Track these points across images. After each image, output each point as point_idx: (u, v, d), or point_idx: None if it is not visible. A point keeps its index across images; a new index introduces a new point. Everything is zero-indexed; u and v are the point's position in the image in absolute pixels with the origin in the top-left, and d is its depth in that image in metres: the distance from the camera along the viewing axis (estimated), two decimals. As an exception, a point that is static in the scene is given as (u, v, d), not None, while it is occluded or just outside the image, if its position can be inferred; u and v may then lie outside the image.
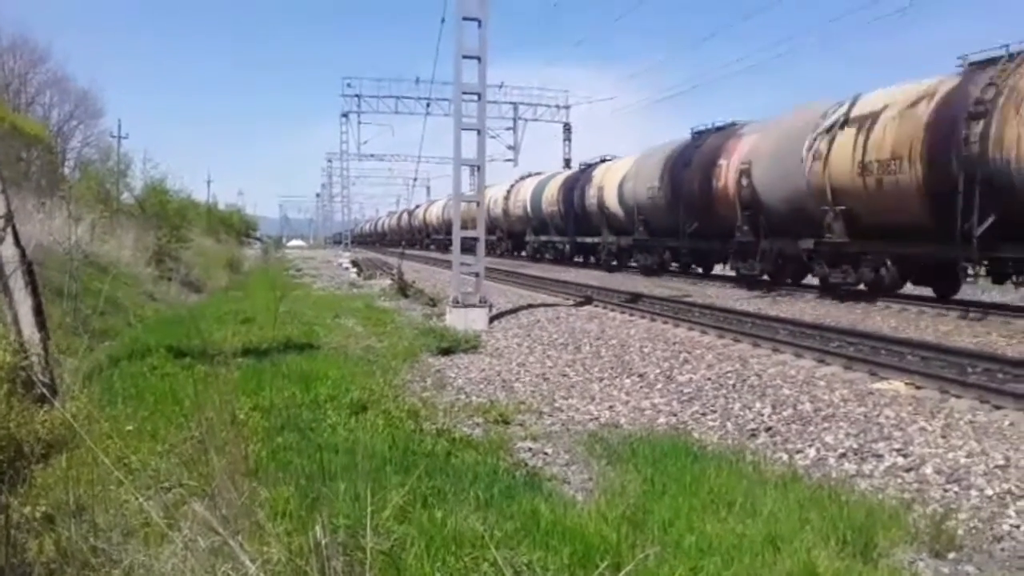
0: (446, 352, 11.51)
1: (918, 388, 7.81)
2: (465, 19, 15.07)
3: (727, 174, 20.69)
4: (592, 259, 32.97)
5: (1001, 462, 5.55)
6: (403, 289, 21.69)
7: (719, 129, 23.10)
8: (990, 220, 12.60)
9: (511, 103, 47.73)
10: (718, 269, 23.97)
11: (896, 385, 7.95)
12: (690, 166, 22.79)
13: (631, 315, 14.71)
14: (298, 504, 4.18)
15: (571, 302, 17.31)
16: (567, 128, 49.22)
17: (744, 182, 19.68)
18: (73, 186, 26.37)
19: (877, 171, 14.89)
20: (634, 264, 27.93)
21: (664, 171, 24.33)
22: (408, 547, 3.73)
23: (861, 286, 16.47)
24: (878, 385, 8.03)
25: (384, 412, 7.07)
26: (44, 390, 6.20)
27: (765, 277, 19.90)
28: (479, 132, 15.93)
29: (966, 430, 6.32)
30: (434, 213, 65.27)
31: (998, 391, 7.25)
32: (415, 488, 4.49)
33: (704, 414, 7.77)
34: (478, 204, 16.97)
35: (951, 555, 4.36)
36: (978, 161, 12.61)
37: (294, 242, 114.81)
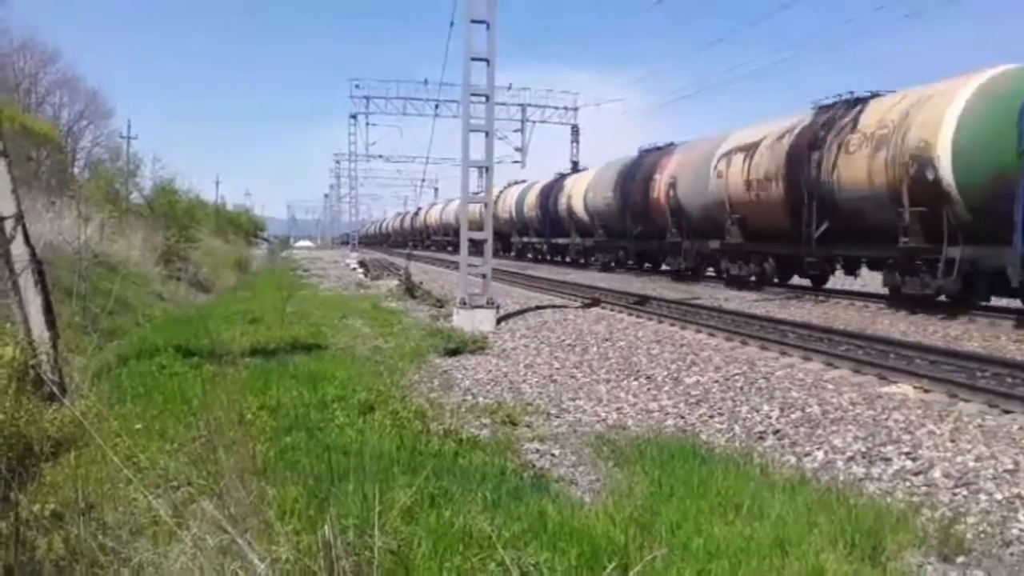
0: (453, 353, 11.52)
1: (927, 392, 7.78)
2: (474, 22, 15.10)
3: (660, 187, 25.38)
4: (565, 258, 37.60)
5: (1010, 466, 5.52)
6: (410, 290, 21.71)
7: (658, 148, 27.82)
8: (824, 226, 16.89)
9: (519, 105, 47.67)
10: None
11: (905, 389, 7.92)
12: (635, 179, 27.68)
13: (639, 317, 14.70)
14: (306, 503, 4.18)
15: (578, 304, 17.30)
16: (575, 130, 49.14)
17: (671, 193, 24.41)
18: (83, 186, 26.51)
19: (757, 188, 19.38)
20: (595, 261, 32.50)
21: (616, 183, 29.26)
22: (416, 547, 3.73)
23: (752, 277, 20.79)
24: (887, 389, 8.01)
25: (391, 413, 7.09)
26: (53, 388, 6.24)
27: (689, 271, 24.73)
28: (487, 134, 15.94)
29: (975, 434, 6.29)
30: (434, 215, 69.31)
31: (1007, 395, 7.22)
32: (422, 488, 4.49)
33: (712, 416, 7.75)
34: (486, 206, 16.97)
35: (960, 559, 4.34)
36: (815, 183, 16.98)
37: (302, 243, 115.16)
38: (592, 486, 5.66)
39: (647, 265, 29.59)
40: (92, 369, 8.22)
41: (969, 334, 11.74)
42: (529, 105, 47.96)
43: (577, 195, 33.86)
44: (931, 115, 14.05)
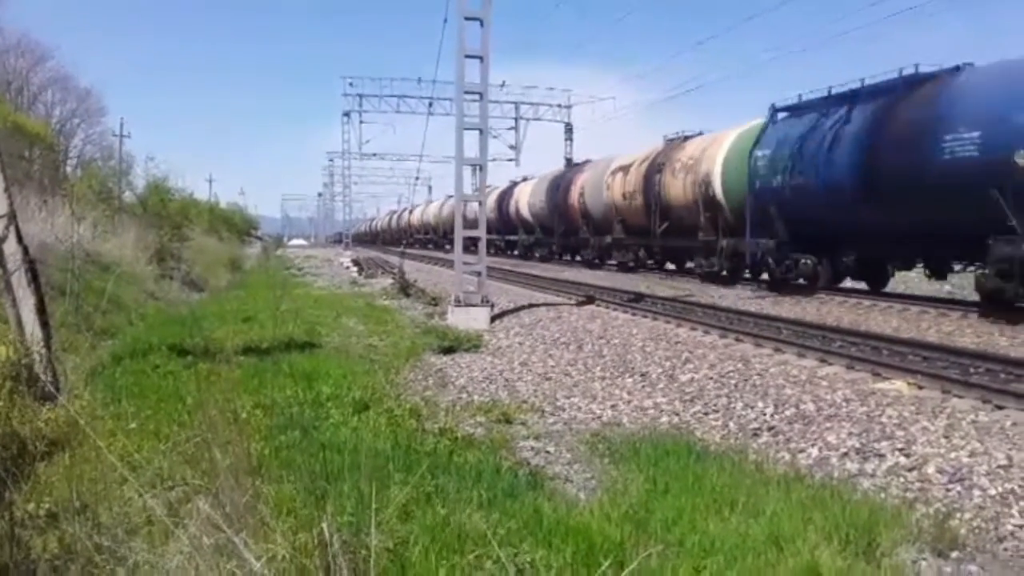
0: (448, 351, 11.51)
1: (920, 388, 7.80)
2: (467, 19, 15.08)
3: (575, 195, 33.28)
4: (515, 251, 44.38)
5: (1004, 462, 5.55)
6: (404, 288, 21.70)
7: (577, 165, 37.59)
8: (664, 225, 24.84)
9: (513, 103, 47.68)
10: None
11: (898, 385, 7.95)
12: (559, 189, 35.75)
13: (633, 314, 14.71)
14: (302, 502, 4.18)
15: (573, 301, 17.31)
16: (569, 128, 49.16)
17: (582, 200, 32.45)
18: (75, 185, 26.39)
19: (629, 198, 27.49)
20: (537, 254, 39.75)
21: (548, 191, 36.86)
22: (412, 545, 3.73)
23: (631, 263, 28.44)
24: (880, 385, 8.03)
25: (386, 411, 7.09)
26: (47, 388, 6.22)
27: (596, 260, 32.07)
28: (481, 132, 15.93)
29: (968, 430, 6.32)
30: (416, 215, 73.83)
31: (1000, 391, 7.25)
32: (418, 487, 4.50)
33: (706, 413, 7.77)
34: (480, 203, 16.96)
35: (954, 554, 4.36)
36: (658, 196, 24.96)
37: (296, 241, 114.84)
38: (587, 484, 5.66)
39: (566, 257, 37.87)
40: (86, 368, 8.20)
41: (962, 330, 11.78)
42: (523, 103, 48.00)
43: (523, 200, 40.85)
44: (712, 153, 22.06)
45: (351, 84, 46.81)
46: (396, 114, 47.03)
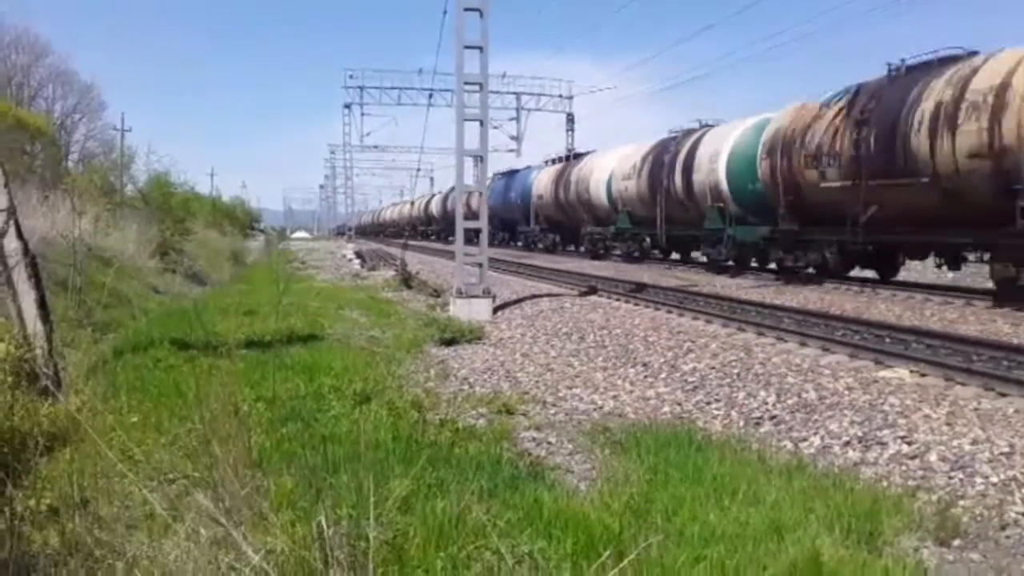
0: (450, 343, 11.51)
1: (923, 376, 7.78)
2: (466, 9, 15.02)
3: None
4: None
5: (1006, 449, 5.53)
6: (407, 280, 21.71)
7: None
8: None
9: (514, 93, 47.44)
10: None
11: (901, 373, 7.93)
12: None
13: (635, 304, 14.69)
14: (302, 494, 4.18)
15: (575, 292, 17.29)
16: (570, 118, 49.00)
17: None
18: (77, 179, 26.39)
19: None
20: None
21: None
22: (411, 537, 3.73)
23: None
24: (883, 373, 8.01)
25: (388, 403, 7.09)
26: (48, 383, 6.22)
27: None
28: (481, 123, 15.88)
29: (971, 417, 6.30)
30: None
31: (1003, 378, 7.22)
32: (418, 478, 4.49)
33: (708, 403, 7.76)
34: (480, 194, 16.93)
35: (956, 542, 4.35)
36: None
37: (298, 234, 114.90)
38: (588, 474, 5.66)
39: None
40: (87, 363, 8.21)
41: (965, 318, 11.74)
42: (524, 93, 47.81)
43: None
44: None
45: (352, 76, 46.67)
46: (397, 106, 46.90)
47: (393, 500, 3.89)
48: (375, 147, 60.35)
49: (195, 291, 22.27)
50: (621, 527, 4.08)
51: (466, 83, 15.59)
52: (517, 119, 47.92)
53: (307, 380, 7.89)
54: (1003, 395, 6.88)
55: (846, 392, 7.37)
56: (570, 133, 48.63)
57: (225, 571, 3.03)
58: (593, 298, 16.17)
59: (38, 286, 7.14)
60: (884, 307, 13.36)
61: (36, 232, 13.10)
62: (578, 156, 36.11)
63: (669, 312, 13.46)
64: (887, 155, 14.53)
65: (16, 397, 5.83)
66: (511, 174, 44.74)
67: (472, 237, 16.25)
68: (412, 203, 78.94)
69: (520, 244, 43.95)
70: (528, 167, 43.58)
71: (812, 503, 4.64)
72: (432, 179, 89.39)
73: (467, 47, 15.21)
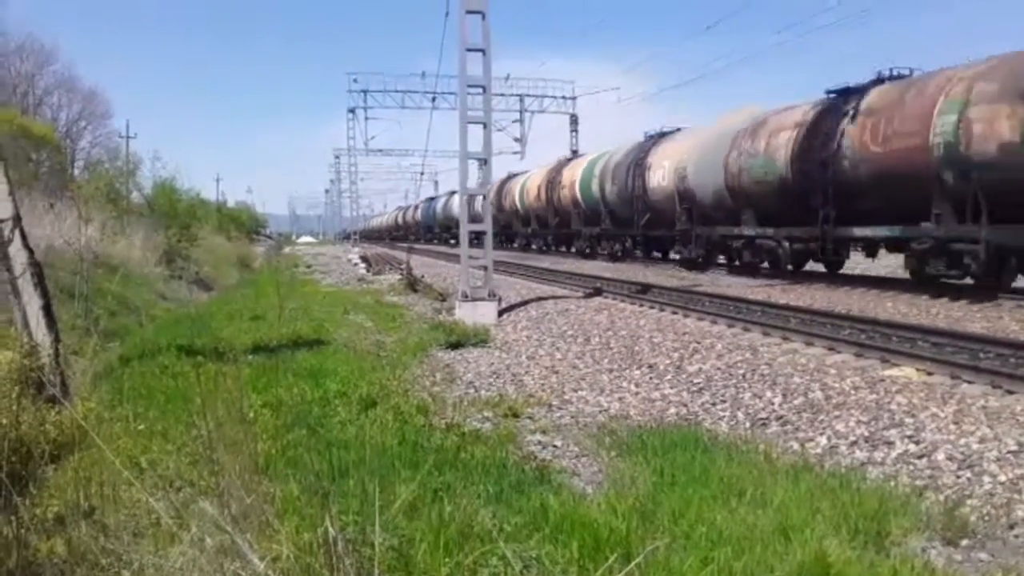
0: (455, 346, 11.50)
1: (930, 374, 7.75)
2: (469, 12, 15.02)
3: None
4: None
5: (1014, 447, 5.50)
6: (412, 284, 21.71)
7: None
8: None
9: (517, 95, 47.59)
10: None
11: (907, 371, 7.90)
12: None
13: (640, 306, 14.67)
14: (307, 501, 4.18)
15: (580, 294, 17.28)
16: (574, 119, 49.02)
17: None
18: (82, 187, 26.46)
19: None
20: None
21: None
22: (417, 543, 3.72)
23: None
24: (889, 372, 7.98)
25: (393, 407, 7.08)
26: (55, 391, 6.23)
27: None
28: (485, 125, 15.87)
29: (978, 415, 6.27)
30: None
31: (1011, 376, 7.19)
32: (424, 483, 4.49)
33: (714, 404, 7.74)
34: (484, 197, 16.93)
35: (964, 542, 4.33)
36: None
37: (304, 238, 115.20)
38: (594, 477, 5.65)
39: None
40: (94, 371, 8.23)
41: (971, 316, 11.70)
42: (527, 95, 47.87)
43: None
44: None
45: (355, 80, 46.82)
46: (401, 110, 47.01)
47: (399, 505, 3.88)
48: (379, 151, 60.69)
49: (202, 297, 22.31)
50: (628, 530, 4.06)
51: (469, 86, 15.60)
52: (521, 121, 48.00)
53: (313, 385, 7.89)
54: (1010, 392, 6.85)
55: (852, 391, 7.35)
56: (574, 134, 48.68)
57: (231, 579, 3.04)
58: (598, 300, 16.15)
59: (44, 294, 7.16)
60: (890, 306, 13.33)
61: (43, 241, 13.14)
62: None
63: (674, 313, 13.44)
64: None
65: (23, 405, 5.85)
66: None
67: (475, 240, 16.23)
68: (416, 207, 79.32)
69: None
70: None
71: (819, 504, 4.62)
72: (436, 182, 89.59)
73: (469, 50, 15.21)
